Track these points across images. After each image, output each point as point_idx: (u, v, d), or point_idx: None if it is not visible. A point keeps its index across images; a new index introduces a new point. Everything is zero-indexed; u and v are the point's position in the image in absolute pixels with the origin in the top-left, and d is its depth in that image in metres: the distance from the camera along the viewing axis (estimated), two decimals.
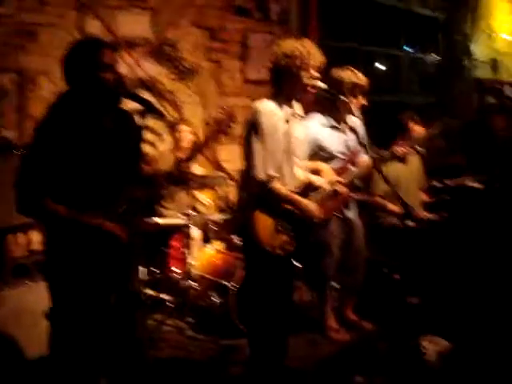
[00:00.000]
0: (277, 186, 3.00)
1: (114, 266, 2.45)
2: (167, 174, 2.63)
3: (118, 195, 2.46)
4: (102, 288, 2.45)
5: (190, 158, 3.72)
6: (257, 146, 2.95)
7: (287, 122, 3.07)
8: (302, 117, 3.21)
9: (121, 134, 2.52)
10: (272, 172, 2.97)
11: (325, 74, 3.61)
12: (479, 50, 8.35)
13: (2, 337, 3.28)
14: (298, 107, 3.16)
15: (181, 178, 2.58)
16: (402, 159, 3.80)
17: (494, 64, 8.63)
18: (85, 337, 2.45)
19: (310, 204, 3.15)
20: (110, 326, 2.50)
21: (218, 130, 3.64)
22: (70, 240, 2.41)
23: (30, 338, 3.21)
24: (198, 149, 3.82)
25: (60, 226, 2.41)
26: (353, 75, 3.82)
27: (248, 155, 3.00)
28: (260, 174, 2.94)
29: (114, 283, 2.47)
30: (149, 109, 2.44)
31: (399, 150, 3.75)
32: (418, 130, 4.48)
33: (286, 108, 3.06)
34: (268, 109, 2.99)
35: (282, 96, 3.05)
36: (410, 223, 4.10)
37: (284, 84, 3.03)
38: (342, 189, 3.44)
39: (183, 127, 4.80)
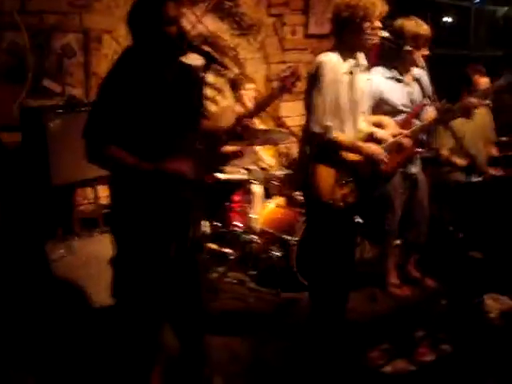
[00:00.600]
0: (337, 135, 2.97)
1: (176, 216, 2.51)
2: (229, 129, 2.63)
3: (180, 146, 2.49)
4: (163, 236, 2.51)
5: (253, 115, 3.72)
6: (317, 99, 2.93)
7: (351, 73, 3.02)
8: (366, 68, 3.15)
9: (181, 87, 2.54)
10: (328, 122, 2.94)
11: (389, 24, 3.55)
12: None
13: (72, 284, 3.44)
14: (362, 58, 3.10)
15: (242, 134, 2.57)
16: (467, 114, 3.66)
17: None
18: (147, 283, 2.53)
19: (374, 147, 3.10)
20: (172, 272, 2.57)
21: (282, 87, 3.60)
22: (133, 188, 2.48)
23: (98, 286, 3.33)
24: (260, 106, 3.80)
25: (124, 173, 2.48)
26: (415, 25, 3.70)
27: (308, 107, 2.99)
28: (316, 126, 2.93)
29: (176, 231, 2.53)
30: (211, 61, 2.44)
31: (468, 102, 3.60)
32: (483, 82, 4.33)
33: (349, 60, 3.01)
34: (331, 61, 2.95)
35: (345, 47, 3.00)
36: (476, 178, 4.02)
37: (347, 35, 2.98)
38: (407, 142, 3.38)
39: (246, 84, 4.78)
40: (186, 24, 2.48)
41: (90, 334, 3.22)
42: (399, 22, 3.72)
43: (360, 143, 3.07)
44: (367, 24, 2.92)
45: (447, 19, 7.83)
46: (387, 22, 3.03)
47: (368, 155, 3.06)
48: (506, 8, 8.01)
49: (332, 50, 3.02)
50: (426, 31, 3.71)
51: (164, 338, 2.80)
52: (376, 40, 2.98)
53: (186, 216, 2.46)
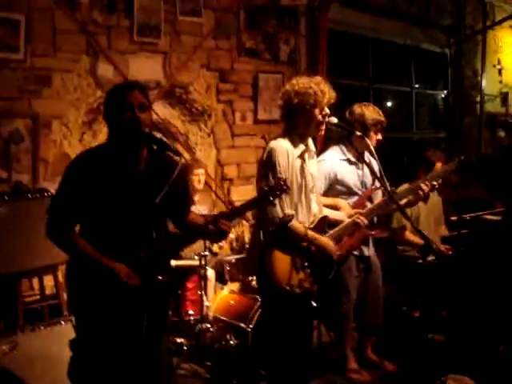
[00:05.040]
0: (295, 224, 2.97)
1: (128, 308, 2.43)
2: (202, 227, 2.57)
3: (138, 240, 2.44)
4: (119, 325, 2.44)
5: (231, 217, 3.59)
6: None
7: (302, 158, 3.05)
8: (314, 153, 3.19)
9: (149, 180, 2.49)
10: (289, 211, 2.94)
11: (340, 111, 3.66)
12: (488, 84, 8.38)
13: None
14: (311, 144, 3.15)
15: (213, 233, 2.50)
16: (425, 198, 3.77)
17: (504, 98, 8.65)
18: (105, 366, 2.45)
19: (328, 242, 3.11)
20: (129, 361, 2.48)
21: (265, 198, 3.56)
22: (87, 275, 2.44)
23: None
24: (240, 210, 3.49)
25: (80, 260, 2.45)
26: (375, 111, 3.84)
27: None
28: (277, 212, 2.91)
29: (130, 324, 2.43)
30: (165, 148, 2.42)
31: (424, 187, 3.69)
32: (438, 165, 4.47)
33: (299, 145, 3.05)
34: (283, 147, 2.98)
35: (295, 133, 3.05)
36: (431, 258, 4.05)
37: (297, 121, 3.03)
38: (363, 220, 3.39)
39: (197, 170, 4.78)
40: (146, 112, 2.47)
41: None
42: (358, 109, 3.85)
43: (316, 235, 3.07)
44: (317, 111, 2.99)
45: (389, 104, 8.17)
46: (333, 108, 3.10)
47: (322, 249, 3.07)
48: (445, 91, 8.43)
49: (282, 135, 3.06)
50: (383, 117, 3.85)
51: None
52: (325, 126, 3.04)
53: (137, 308, 2.37)
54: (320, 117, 3.01)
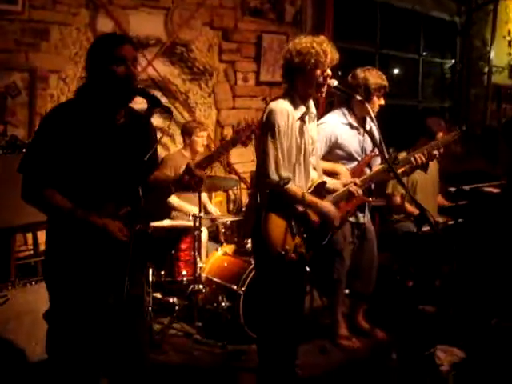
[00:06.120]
0: (292, 187, 2.92)
1: (113, 267, 2.37)
2: (177, 179, 2.53)
3: (123, 195, 2.38)
4: (99, 289, 2.38)
5: (204, 166, 3.63)
6: (271, 147, 2.86)
7: (302, 120, 2.98)
8: (315, 116, 3.12)
9: (132, 133, 2.43)
10: (286, 173, 2.89)
11: (343, 75, 3.58)
12: (497, 55, 8.23)
13: (4, 337, 3.22)
14: (312, 106, 3.08)
15: (191, 184, 2.48)
16: (423, 167, 3.73)
17: None
18: (82, 338, 2.38)
19: (329, 206, 3.07)
20: (109, 327, 2.41)
21: (235, 140, 3.56)
22: (69, 235, 2.35)
23: (32, 340, 3.15)
24: (212, 157, 3.72)
25: (60, 218, 2.35)
26: (378, 76, 3.76)
27: (262, 156, 2.92)
28: (274, 175, 2.86)
29: (112, 284, 2.38)
30: (156, 105, 2.35)
31: (418, 157, 3.65)
32: (441, 135, 4.40)
33: (300, 107, 2.98)
34: (283, 108, 2.90)
35: (295, 94, 2.97)
36: (426, 228, 4.01)
37: (297, 81, 2.95)
38: (358, 190, 3.35)
39: (200, 131, 4.71)
40: (136, 67, 2.40)
41: None
42: (362, 73, 3.76)
43: (315, 199, 3.02)
44: (318, 72, 2.90)
45: (395, 71, 8.05)
46: (338, 72, 3.03)
47: (323, 213, 3.02)
48: (452, 61, 8.29)
49: (283, 96, 2.99)
50: (386, 82, 3.78)
51: None
52: (327, 88, 2.96)
53: (121, 267, 2.32)
54: (321, 78, 2.92)
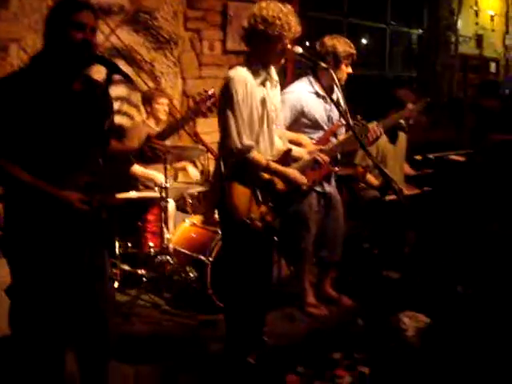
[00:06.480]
0: (255, 155, 2.89)
1: (73, 239, 2.33)
2: (137, 150, 2.50)
3: (83, 164, 2.33)
4: (60, 261, 2.33)
5: (164, 136, 3.60)
6: (231, 116, 2.84)
7: (263, 86, 2.95)
8: (277, 82, 3.09)
9: (90, 101, 2.38)
10: (248, 141, 2.86)
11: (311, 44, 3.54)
12: (464, 25, 8.27)
13: None
14: (273, 72, 3.04)
15: (151, 156, 2.45)
16: (392, 139, 3.75)
17: (479, 40, 8.58)
18: (45, 311, 2.35)
19: (295, 172, 3.06)
20: (71, 298, 2.39)
21: (196, 110, 3.55)
22: (28, 207, 2.29)
23: None
24: (173, 128, 3.72)
25: (18, 191, 2.29)
26: (346, 44, 3.75)
27: (223, 126, 2.89)
28: (235, 143, 2.84)
29: (73, 256, 2.34)
30: (115, 72, 2.29)
31: (372, 131, 3.65)
32: (409, 106, 4.41)
33: (260, 72, 2.94)
34: (241, 76, 2.87)
35: (256, 59, 2.93)
36: (391, 196, 4.05)
37: (259, 47, 2.91)
38: (324, 158, 3.33)
39: (160, 98, 4.65)
40: (98, 35, 2.32)
41: None
42: (330, 41, 3.74)
43: (280, 167, 3.00)
44: (280, 43, 2.87)
45: (363, 40, 8.03)
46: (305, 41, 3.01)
47: (288, 179, 3.02)
48: (420, 30, 8.30)
49: (242, 64, 2.95)
50: (355, 50, 3.76)
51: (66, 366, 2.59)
52: (289, 56, 2.94)
53: (81, 239, 2.29)
54: (283, 45, 2.89)
